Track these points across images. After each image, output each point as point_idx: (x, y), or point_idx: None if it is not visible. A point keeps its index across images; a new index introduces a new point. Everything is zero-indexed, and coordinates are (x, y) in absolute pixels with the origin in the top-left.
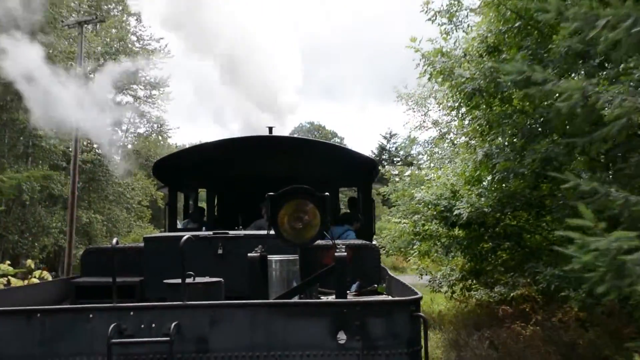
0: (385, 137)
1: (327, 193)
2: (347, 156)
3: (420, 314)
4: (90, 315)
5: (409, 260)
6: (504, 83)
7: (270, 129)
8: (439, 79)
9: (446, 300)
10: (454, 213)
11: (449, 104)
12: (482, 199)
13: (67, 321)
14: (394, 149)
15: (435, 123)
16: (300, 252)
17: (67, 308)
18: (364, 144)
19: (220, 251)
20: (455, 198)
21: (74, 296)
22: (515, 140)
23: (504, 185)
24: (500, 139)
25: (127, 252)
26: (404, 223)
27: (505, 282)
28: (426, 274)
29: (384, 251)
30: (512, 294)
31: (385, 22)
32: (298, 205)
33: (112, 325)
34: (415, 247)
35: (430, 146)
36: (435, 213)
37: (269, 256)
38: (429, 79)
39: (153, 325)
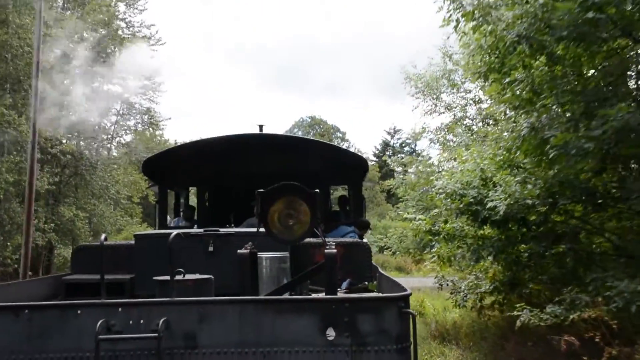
0: (389, 133)
1: (317, 190)
2: (338, 154)
3: (410, 310)
4: (79, 312)
5: (426, 265)
6: (559, 28)
7: (261, 127)
8: (470, 25)
9: (458, 306)
10: (487, 206)
11: (473, 71)
12: (529, 186)
13: (55, 317)
14: (398, 145)
15: (449, 107)
16: (290, 249)
17: (55, 304)
18: (366, 139)
19: (211, 248)
20: (487, 187)
21: (64, 293)
22: (571, 107)
23: (553, 169)
24: (551, 106)
25: (118, 250)
26: (419, 219)
27: (560, 299)
28: (447, 284)
29: (390, 252)
30: (571, 317)
31: (389, 22)
32: (288, 202)
33: (100, 322)
34: (433, 250)
35: (443, 133)
36: (461, 206)
37: (259, 253)
38: (455, 28)
39: (141, 321)
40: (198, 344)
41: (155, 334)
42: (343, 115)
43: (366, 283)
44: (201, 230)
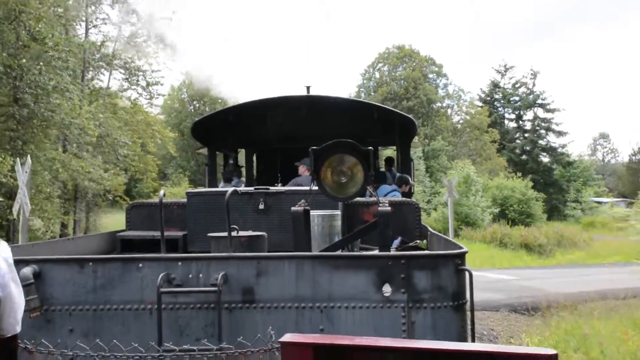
0: (498, 72)
1: (370, 147)
2: (386, 115)
3: (466, 267)
4: (140, 265)
5: None
6: None
7: (308, 88)
8: None
9: None
10: None
11: None
12: None
13: (117, 270)
14: (510, 86)
15: None
16: (342, 207)
17: (117, 257)
18: (470, 78)
19: (261, 206)
20: None
21: (120, 249)
22: None
23: None
24: None
25: (171, 207)
26: None
27: None
28: None
29: None
30: None
31: None
32: (341, 160)
33: (161, 275)
34: None
35: None
36: None
37: (311, 211)
38: None
39: (200, 275)
40: (255, 299)
41: (215, 288)
42: (441, 50)
43: (417, 242)
44: (252, 188)
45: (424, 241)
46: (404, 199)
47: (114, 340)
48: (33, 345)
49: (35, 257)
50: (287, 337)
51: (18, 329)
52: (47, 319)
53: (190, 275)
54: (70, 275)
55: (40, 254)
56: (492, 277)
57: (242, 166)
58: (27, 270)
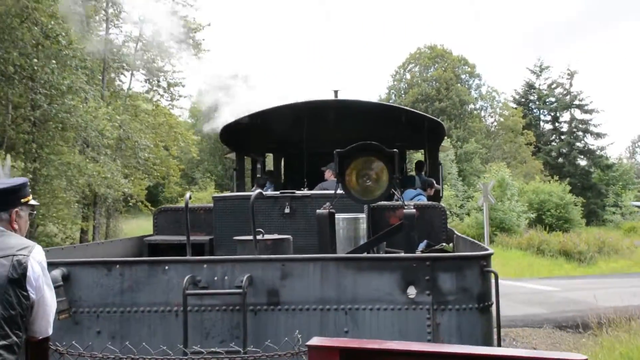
0: (533, 72)
1: (395, 150)
2: (414, 118)
3: (491, 269)
4: (166, 267)
5: None
6: None
7: (336, 92)
8: None
9: None
10: None
11: None
12: None
13: (143, 273)
14: (545, 86)
15: None
16: (367, 210)
17: (144, 260)
18: (504, 79)
19: (287, 210)
20: None
21: (147, 254)
22: None
23: None
24: None
25: (197, 212)
26: None
27: None
28: None
29: None
30: None
31: None
32: (366, 162)
33: (187, 277)
34: None
35: None
36: None
37: (336, 214)
38: None
39: (226, 277)
40: (280, 301)
41: (240, 290)
42: (474, 49)
43: (443, 244)
44: (277, 192)
45: (450, 244)
46: (430, 202)
47: (143, 343)
48: (64, 347)
49: (64, 260)
50: (315, 341)
51: (50, 331)
52: (75, 321)
53: (216, 278)
54: (97, 277)
55: (68, 257)
56: (531, 288)
57: (273, 171)
58: (56, 273)
